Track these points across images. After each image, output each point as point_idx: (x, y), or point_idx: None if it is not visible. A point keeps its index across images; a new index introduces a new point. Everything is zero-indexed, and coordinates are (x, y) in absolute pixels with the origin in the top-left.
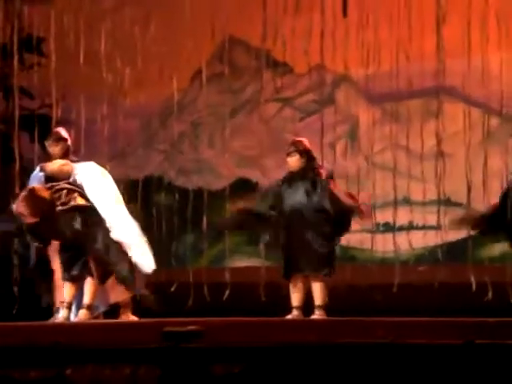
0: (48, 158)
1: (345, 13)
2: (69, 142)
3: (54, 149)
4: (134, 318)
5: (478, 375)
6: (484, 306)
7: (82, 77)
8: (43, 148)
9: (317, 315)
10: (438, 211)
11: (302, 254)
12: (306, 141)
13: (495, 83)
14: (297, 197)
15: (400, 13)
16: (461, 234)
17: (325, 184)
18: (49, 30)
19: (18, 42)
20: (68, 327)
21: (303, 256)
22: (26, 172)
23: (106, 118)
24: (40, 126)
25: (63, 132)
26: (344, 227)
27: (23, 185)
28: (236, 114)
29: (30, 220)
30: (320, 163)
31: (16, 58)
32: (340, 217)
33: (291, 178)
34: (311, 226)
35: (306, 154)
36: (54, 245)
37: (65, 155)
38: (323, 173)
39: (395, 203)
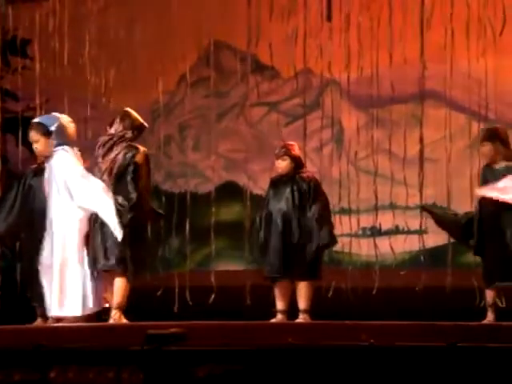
0: (33, 160)
1: (329, 17)
2: None
3: None
4: (125, 321)
5: (460, 377)
6: (470, 311)
7: (67, 79)
8: (28, 151)
9: (301, 319)
10: (421, 216)
11: (287, 258)
12: (296, 146)
13: (480, 88)
14: (282, 201)
15: (385, 17)
16: (445, 238)
17: (311, 188)
18: (34, 33)
19: (3, 44)
20: (51, 330)
21: (288, 260)
22: (11, 175)
23: (90, 121)
24: (25, 129)
25: None
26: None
27: (8, 188)
28: (222, 118)
29: None
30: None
31: (0, 60)
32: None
33: (278, 182)
34: (296, 229)
35: (295, 159)
36: None
37: None
38: (310, 177)
39: (376, 208)
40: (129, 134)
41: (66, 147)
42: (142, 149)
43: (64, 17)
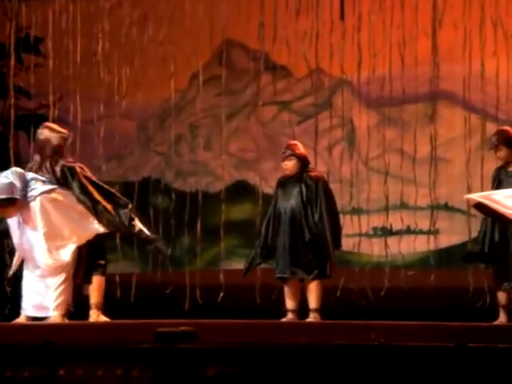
0: None
1: (342, 16)
2: (68, 142)
3: None
4: (104, 319)
5: (469, 378)
6: (482, 311)
7: (80, 77)
8: None
9: (311, 318)
10: (431, 215)
11: (296, 257)
12: (300, 144)
13: (492, 88)
14: (291, 200)
15: (397, 17)
16: (457, 238)
17: (318, 187)
18: (47, 30)
19: (16, 42)
20: (61, 327)
21: (297, 260)
22: None
23: (103, 119)
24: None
25: None
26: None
27: None
28: (234, 117)
29: None
30: (315, 166)
31: (13, 57)
32: (334, 220)
33: (286, 182)
34: (305, 229)
35: (301, 158)
36: None
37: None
38: (317, 176)
39: (387, 208)
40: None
41: None
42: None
43: (77, 14)
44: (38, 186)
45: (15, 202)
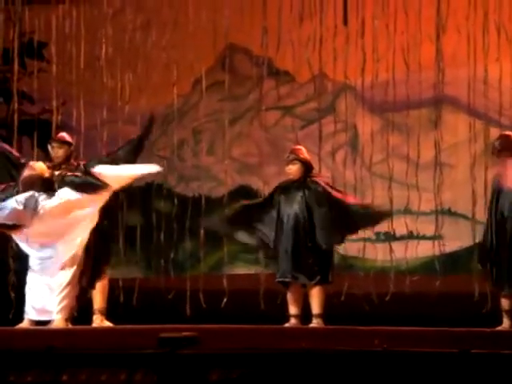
0: (49, 161)
1: (345, 21)
2: (72, 147)
3: (58, 151)
4: (108, 324)
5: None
6: (484, 317)
7: (83, 82)
8: (43, 153)
9: (314, 323)
10: (436, 221)
11: (298, 262)
12: (304, 149)
13: (496, 93)
14: (294, 205)
15: (401, 22)
16: (461, 244)
17: (322, 192)
18: (50, 36)
19: (20, 47)
20: (64, 332)
21: (299, 264)
22: None
23: (106, 124)
24: (40, 132)
25: (67, 136)
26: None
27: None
28: (237, 122)
29: None
30: (318, 171)
31: (17, 62)
32: (341, 222)
33: (289, 187)
34: (308, 234)
35: (305, 163)
36: None
37: (67, 159)
38: (321, 181)
39: (391, 213)
40: None
41: None
42: None
43: (80, 20)
44: (42, 199)
45: (21, 225)
